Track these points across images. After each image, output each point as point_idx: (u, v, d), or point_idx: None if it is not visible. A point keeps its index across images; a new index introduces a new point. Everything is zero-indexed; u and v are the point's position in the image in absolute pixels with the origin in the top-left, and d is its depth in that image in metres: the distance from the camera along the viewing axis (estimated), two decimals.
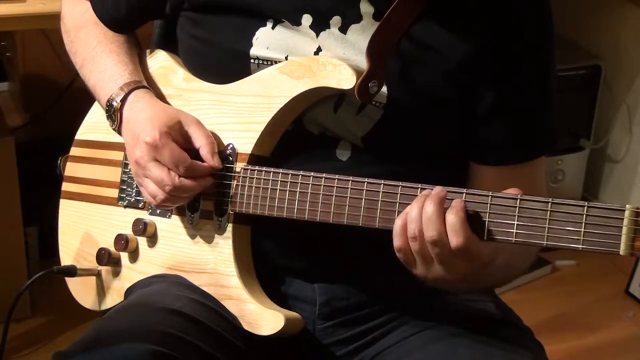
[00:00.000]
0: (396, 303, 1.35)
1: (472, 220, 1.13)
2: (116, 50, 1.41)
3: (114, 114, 1.35)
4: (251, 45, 1.30)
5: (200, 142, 1.28)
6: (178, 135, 1.29)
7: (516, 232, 1.12)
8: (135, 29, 1.48)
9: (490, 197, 1.13)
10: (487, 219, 1.13)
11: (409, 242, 1.14)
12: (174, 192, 1.27)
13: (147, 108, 1.32)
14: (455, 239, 1.11)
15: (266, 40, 1.29)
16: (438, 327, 1.31)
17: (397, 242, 1.15)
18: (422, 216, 1.12)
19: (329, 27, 1.27)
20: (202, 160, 1.28)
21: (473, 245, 1.12)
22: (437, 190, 1.14)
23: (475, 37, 1.25)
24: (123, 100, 1.34)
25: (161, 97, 1.39)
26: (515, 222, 1.12)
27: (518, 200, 1.12)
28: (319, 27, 1.28)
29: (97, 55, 1.42)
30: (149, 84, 1.41)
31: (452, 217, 1.11)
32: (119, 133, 1.36)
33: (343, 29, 1.27)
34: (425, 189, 1.16)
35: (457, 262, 1.13)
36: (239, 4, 1.30)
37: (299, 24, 1.28)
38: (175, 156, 1.26)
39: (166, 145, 1.26)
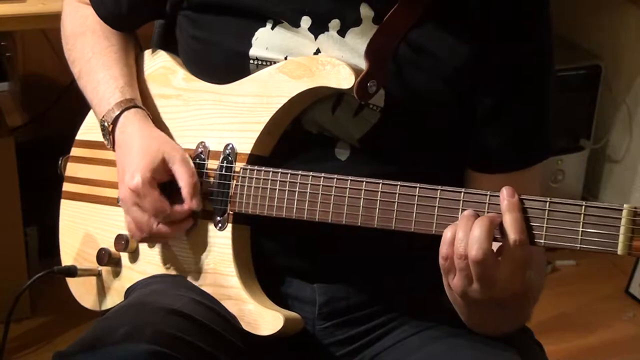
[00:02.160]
0: (396, 303, 1.35)
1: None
2: (108, 64, 1.41)
3: (107, 136, 1.37)
4: (250, 46, 1.29)
5: (182, 182, 1.29)
6: (162, 174, 1.30)
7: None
8: (136, 28, 1.48)
9: (488, 197, 1.13)
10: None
11: (455, 260, 1.13)
12: (152, 236, 1.31)
13: (135, 137, 1.33)
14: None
15: (265, 40, 1.29)
16: (438, 327, 1.31)
17: (444, 249, 1.13)
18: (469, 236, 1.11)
19: (327, 30, 1.27)
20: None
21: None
22: (493, 216, 1.12)
23: (474, 42, 1.25)
24: (114, 122, 1.35)
25: (161, 97, 1.40)
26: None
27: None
28: (317, 29, 1.27)
29: (91, 69, 1.42)
30: (149, 84, 1.41)
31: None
32: (114, 151, 1.37)
33: (341, 33, 1.27)
34: (423, 188, 1.16)
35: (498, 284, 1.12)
36: (238, 5, 1.29)
37: (297, 25, 1.28)
38: (155, 206, 1.28)
39: (148, 195, 1.28)
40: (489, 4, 1.25)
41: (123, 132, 1.34)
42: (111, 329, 1.22)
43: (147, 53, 1.47)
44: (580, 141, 2.96)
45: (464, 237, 1.11)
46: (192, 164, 1.31)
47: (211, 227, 1.32)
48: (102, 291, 1.45)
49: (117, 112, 1.35)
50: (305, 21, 1.27)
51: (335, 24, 1.27)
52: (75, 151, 1.52)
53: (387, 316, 1.35)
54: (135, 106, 1.36)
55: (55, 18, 1.55)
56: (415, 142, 1.29)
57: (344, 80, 1.23)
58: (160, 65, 1.43)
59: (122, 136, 1.34)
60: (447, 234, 1.13)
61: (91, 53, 1.43)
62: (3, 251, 2.39)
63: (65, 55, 1.49)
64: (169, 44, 1.44)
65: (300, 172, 1.24)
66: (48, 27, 2.52)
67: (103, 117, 1.37)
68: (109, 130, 1.36)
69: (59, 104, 2.80)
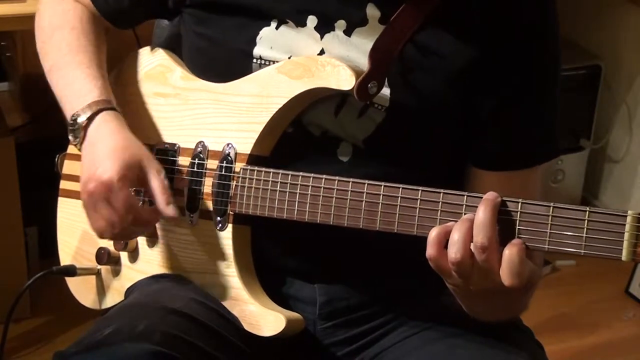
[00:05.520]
0: (396, 303, 1.35)
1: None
2: (86, 63, 1.38)
3: (77, 131, 1.33)
4: (255, 45, 1.29)
5: (156, 191, 1.28)
6: (134, 177, 1.28)
7: (518, 237, 1.11)
8: (134, 25, 1.47)
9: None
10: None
11: (450, 265, 1.11)
12: (121, 234, 1.29)
13: (112, 137, 1.30)
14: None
15: (270, 40, 1.29)
16: (437, 328, 1.31)
17: (430, 251, 1.12)
18: (464, 242, 1.10)
19: (333, 30, 1.27)
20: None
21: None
22: (492, 196, 1.11)
23: (480, 43, 1.25)
24: (90, 119, 1.32)
25: (159, 95, 1.39)
26: (517, 227, 1.11)
27: (520, 204, 1.11)
28: (323, 29, 1.27)
29: (66, 65, 1.39)
30: (147, 82, 1.41)
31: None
32: (79, 150, 1.34)
33: (347, 32, 1.27)
34: (426, 191, 1.16)
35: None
36: (242, 3, 1.29)
37: (303, 24, 1.28)
38: (127, 204, 1.26)
39: (121, 191, 1.25)
40: (494, 6, 1.25)
41: (97, 131, 1.31)
42: (111, 329, 1.21)
43: (146, 51, 1.46)
44: (580, 141, 2.96)
45: (457, 242, 1.10)
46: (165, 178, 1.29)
47: (211, 227, 1.32)
48: (102, 290, 1.45)
49: (95, 109, 1.32)
50: (311, 20, 1.27)
51: (341, 24, 1.27)
52: (72, 148, 1.51)
53: (387, 316, 1.35)
54: (114, 108, 1.34)
55: None
56: (418, 142, 1.29)
57: (344, 81, 1.23)
58: (158, 63, 1.42)
59: (97, 133, 1.31)
60: (431, 234, 1.12)
61: (67, 49, 1.40)
62: (3, 251, 2.38)
63: (37, 46, 1.46)
64: (175, 48, 1.43)
65: (301, 174, 1.24)
66: None
67: (76, 112, 1.33)
68: (81, 126, 1.32)
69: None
